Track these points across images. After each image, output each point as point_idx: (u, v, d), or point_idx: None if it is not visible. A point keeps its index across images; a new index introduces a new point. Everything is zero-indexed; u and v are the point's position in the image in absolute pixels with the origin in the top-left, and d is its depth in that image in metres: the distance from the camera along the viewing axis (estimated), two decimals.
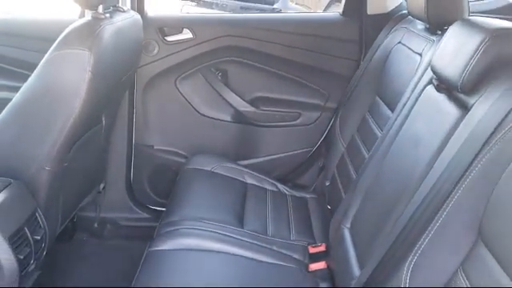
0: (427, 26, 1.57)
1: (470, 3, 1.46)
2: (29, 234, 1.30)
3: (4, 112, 1.39)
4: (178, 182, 1.84)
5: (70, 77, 1.35)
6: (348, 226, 1.43)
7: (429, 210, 0.95)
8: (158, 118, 2.17)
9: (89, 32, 1.38)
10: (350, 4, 2.11)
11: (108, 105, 1.75)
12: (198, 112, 2.16)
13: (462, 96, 1.11)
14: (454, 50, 1.14)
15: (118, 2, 1.70)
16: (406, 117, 1.35)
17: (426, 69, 1.39)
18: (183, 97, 2.15)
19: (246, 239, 1.50)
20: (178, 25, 2.11)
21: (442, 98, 1.21)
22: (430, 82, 1.31)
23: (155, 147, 2.18)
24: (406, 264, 0.95)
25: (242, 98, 2.15)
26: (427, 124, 1.24)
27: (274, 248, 1.50)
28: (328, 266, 1.46)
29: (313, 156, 2.18)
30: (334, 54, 2.10)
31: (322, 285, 1.40)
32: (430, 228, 0.93)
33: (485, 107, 0.96)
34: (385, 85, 1.72)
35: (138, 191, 2.19)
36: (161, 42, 2.07)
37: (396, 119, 1.42)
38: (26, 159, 1.38)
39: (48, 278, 1.54)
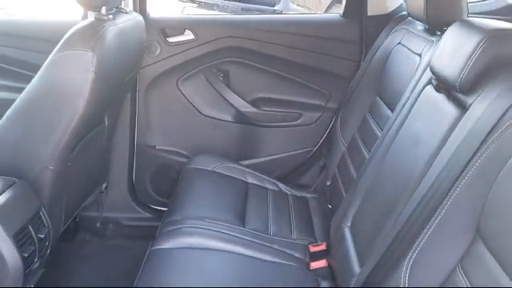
0: (427, 26, 1.57)
1: (470, 4, 1.47)
2: (33, 233, 1.31)
3: (8, 112, 1.40)
4: (179, 181, 1.84)
5: (73, 77, 1.36)
6: (348, 224, 1.44)
7: (428, 208, 0.96)
8: (160, 119, 2.17)
9: (92, 33, 1.39)
10: (350, 5, 2.12)
11: (111, 105, 1.77)
12: (200, 112, 2.17)
13: (460, 96, 1.12)
14: (453, 51, 1.15)
15: (121, 4, 1.71)
16: (406, 117, 1.36)
17: (425, 69, 1.40)
18: (185, 97, 2.15)
19: (247, 238, 1.51)
20: (180, 26, 2.12)
21: (441, 97, 1.22)
22: (429, 82, 1.32)
23: (157, 147, 2.19)
24: (405, 261, 0.96)
25: (243, 99, 2.16)
26: (426, 123, 1.24)
27: (276, 247, 1.51)
28: (329, 265, 1.46)
29: (314, 156, 2.18)
30: (335, 55, 2.10)
31: (322, 283, 1.40)
32: (428, 226, 0.94)
33: (483, 106, 0.97)
34: (385, 85, 1.73)
35: (140, 191, 2.20)
36: (163, 43, 2.08)
37: (396, 119, 1.42)
38: (30, 158, 1.39)
39: (51, 278, 1.55)
